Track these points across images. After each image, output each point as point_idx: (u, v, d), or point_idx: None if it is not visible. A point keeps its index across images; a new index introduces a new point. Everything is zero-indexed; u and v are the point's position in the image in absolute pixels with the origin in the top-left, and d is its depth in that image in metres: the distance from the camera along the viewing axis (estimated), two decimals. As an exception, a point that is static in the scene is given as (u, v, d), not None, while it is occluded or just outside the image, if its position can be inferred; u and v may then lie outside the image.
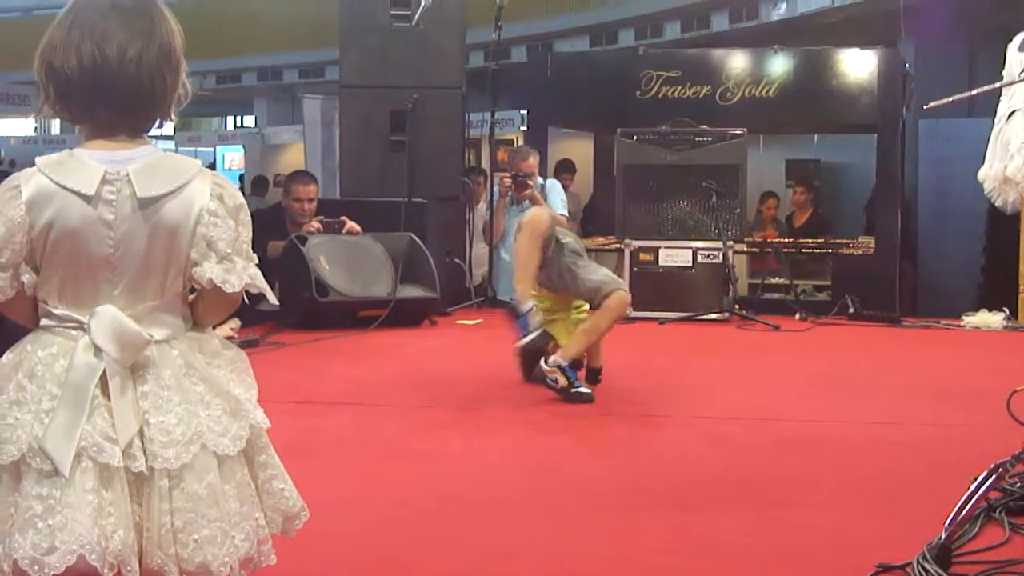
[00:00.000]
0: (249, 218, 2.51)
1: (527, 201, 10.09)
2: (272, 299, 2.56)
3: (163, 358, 2.42)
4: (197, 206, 2.42)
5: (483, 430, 5.56)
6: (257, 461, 2.53)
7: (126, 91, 2.41)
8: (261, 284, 2.50)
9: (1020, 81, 9.06)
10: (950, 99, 5.26)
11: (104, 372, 2.35)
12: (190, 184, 2.43)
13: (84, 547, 2.23)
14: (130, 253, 2.39)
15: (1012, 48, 9.40)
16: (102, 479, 2.30)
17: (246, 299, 2.53)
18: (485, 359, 7.72)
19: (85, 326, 2.37)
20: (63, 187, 2.35)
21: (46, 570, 2.23)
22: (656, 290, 9.37)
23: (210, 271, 2.43)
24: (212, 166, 28.36)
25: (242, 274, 2.45)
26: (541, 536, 3.87)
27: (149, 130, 2.50)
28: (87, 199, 2.35)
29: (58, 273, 2.39)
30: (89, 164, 2.38)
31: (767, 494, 4.40)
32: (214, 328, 2.62)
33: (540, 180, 10.43)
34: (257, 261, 2.50)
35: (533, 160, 10.34)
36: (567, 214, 10.78)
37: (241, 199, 2.51)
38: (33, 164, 2.39)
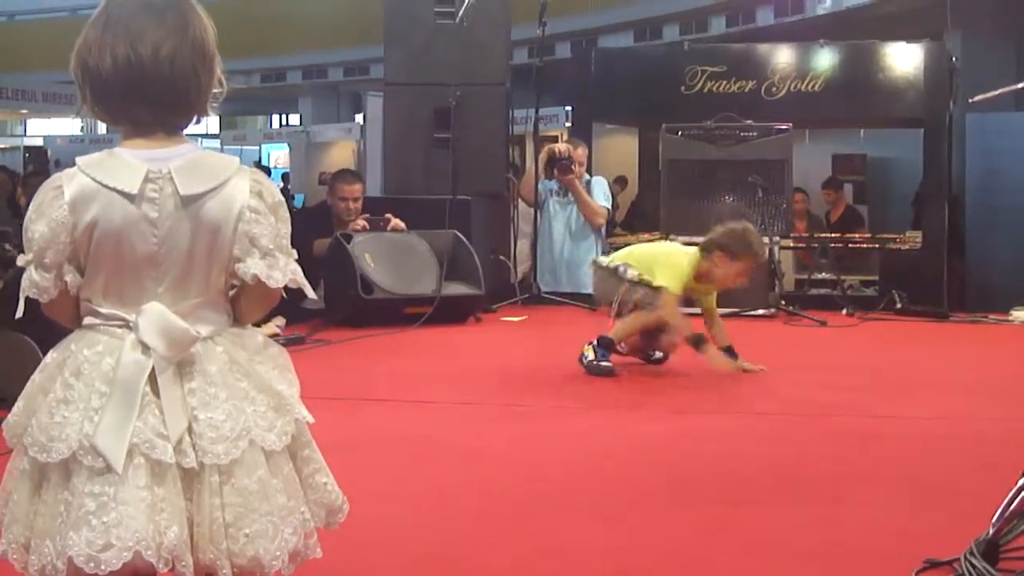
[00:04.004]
0: (288, 214, 2.51)
1: (568, 191, 10.15)
2: (311, 294, 2.56)
3: (208, 355, 2.43)
4: (238, 203, 2.42)
5: (527, 426, 5.56)
6: (300, 456, 2.53)
7: (162, 89, 2.42)
8: (301, 280, 2.50)
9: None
10: (996, 92, 5.24)
11: (152, 369, 2.36)
12: (230, 181, 2.44)
13: (140, 543, 2.24)
14: (174, 250, 2.40)
15: (1060, 41, 9.33)
16: (154, 475, 2.31)
17: (284, 295, 2.54)
18: (530, 355, 7.74)
19: (131, 324, 2.38)
20: (105, 186, 2.35)
21: (103, 567, 2.23)
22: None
23: (254, 267, 2.43)
24: (259, 164, 28.66)
25: (285, 269, 2.46)
26: (585, 532, 3.86)
27: (186, 127, 2.51)
28: (130, 198, 2.36)
29: (102, 272, 2.40)
30: (131, 163, 2.39)
31: (815, 489, 4.38)
32: (258, 325, 2.63)
33: (587, 176, 10.43)
34: (297, 257, 2.51)
35: (582, 151, 10.36)
36: (610, 208, 10.78)
37: (280, 196, 2.52)
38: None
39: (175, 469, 2.33)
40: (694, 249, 6.74)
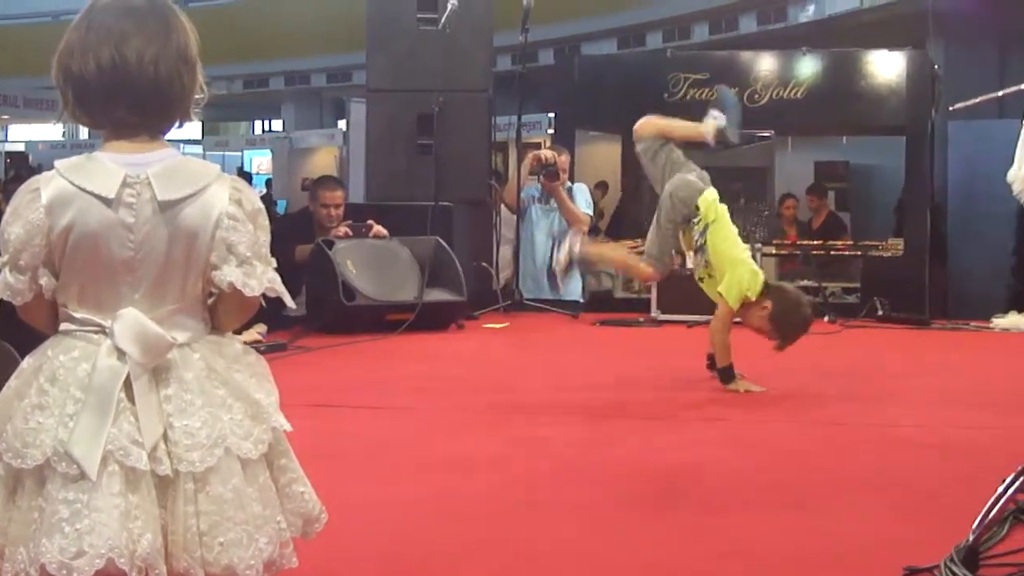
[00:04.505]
0: (267, 222, 2.50)
1: (552, 198, 10.16)
2: (290, 303, 2.55)
3: (185, 361, 2.41)
4: (216, 210, 2.41)
5: (508, 433, 5.55)
6: (277, 465, 2.52)
7: (146, 92, 2.41)
8: (279, 288, 2.49)
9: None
10: (976, 100, 5.26)
11: (128, 376, 2.35)
12: (209, 188, 2.43)
13: (113, 551, 2.23)
14: (150, 256, 2.39)
15: (1041, 48, 9.36)
16: (129, 483, 2.30)
17: (263, 304, 2.53)
18: (513, 362, 7.74)
19: (107, 330, 2.37)
20: (83, 190, 2.35)
21: (75, 574, 2.23)
22: (683, 293, 9.30)
23: (230, 275, 2.42)
24: (241, 170, 28.61)
25: (262, 278, 2.45)
26: (568, 539, 3.86)
27: (168, 131, 2.50)
28: (107, 202, 2.35)
29: (78, 277, 2.39)
30: (109, 167, 2.38)
31: (795, 496, 4.39)
32: (239, 332, 2.62)
33: (568, 183, 10.44)
34: (276, 265, 2.50)
35: (565, 158, 10.36)
36: (592, 215, 10.79)
37: (259, 203, 2.51)
38: None
39: (149, 476, 2.32)
40: (758, 272, 6.62)
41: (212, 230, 2.41)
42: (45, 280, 2.37)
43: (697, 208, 6.55)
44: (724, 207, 6.63)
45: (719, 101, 6.71)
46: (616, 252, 6.74)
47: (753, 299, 6.43)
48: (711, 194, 6.58)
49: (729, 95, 6.76)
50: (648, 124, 6.81)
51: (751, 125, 10.19)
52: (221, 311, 2.52)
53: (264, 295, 2.49)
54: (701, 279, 6.71)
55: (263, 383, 2.52)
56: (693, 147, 6.80)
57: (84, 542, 2.24)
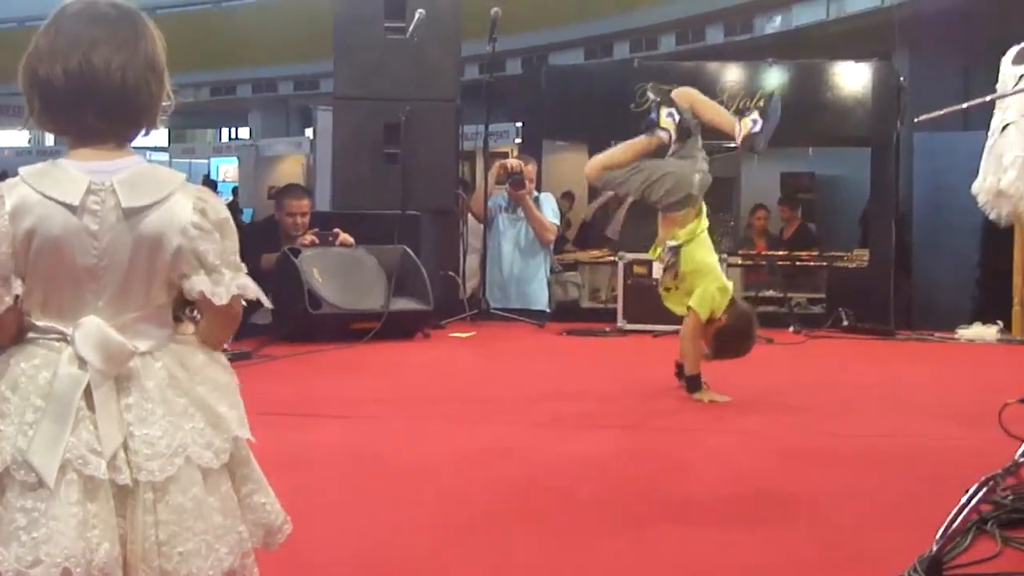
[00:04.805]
0: (234, 230, 2.51)
1: (519, 207, 10.17)
2: (267, 303, 2.57)
3: (146, 370, 2.41)
4: (180, 219, 2.41)
5: (475, 443, 5.54)
6: (239, 475, 2.52)
7: (113, 99, 2.41)
8: (253, 291, 2.50)
9: (1009, 94, 9.06)
10: (940, 112, 5.28)
11: (88, 384, 2.34)
12: (173, 196, 2.43)
13: (69, 560, 2.23)
14: (114, 263, 2.38)
15: (1005, 61, 9.40)
16: (87, 492, 2.29)
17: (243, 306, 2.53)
18: (478, 372, 7.74)
19: (68, 337, 2.36)
20: (47, 197, 2.34)
21: None
22: (650, 303, 9.28)
23: (200, 283, 2.43)
24: (207, 178, 28.53)
25: (230, 285, 2.45)
26: (539, 551, 3.86)
27: (135, 139, 2.49)
28: (72, 209, 2.34)
29: (41, 284, 2.38)
30: (73, 174, 2.38)
31: (760, 507, 4.39)
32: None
33: (536, 193, 10.44)
34: (246, 270, 2.50)
35: (532, 168, 10.36)
36: (559, 224, 10.80)
37: (226, 212, 2.51)
38: None
39: (108, 486, 2.31)
40: (727, 289, 6.62)
41: (176, 238, 2.41)
42: (18, 287, 2.36)
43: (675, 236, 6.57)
44: (705, 221, 6.64)
45: (766, 108, 6.69)
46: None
47: (716, 316, 6.47)
48: (699, 223, 6.59)
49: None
50: (592, 167, 6.83)
51: (717, 136, 10.23)
52: (204, 325, 2.53)
53: (244, 299, 2.48)
54: (667, 288, 6.70)
55: (227, 395, 2.51)
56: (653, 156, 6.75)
57: (40, 551, 2.23)
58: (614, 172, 6.70)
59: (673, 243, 6.53)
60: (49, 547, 2.23)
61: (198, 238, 2.42)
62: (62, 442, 2.29)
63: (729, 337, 6.47)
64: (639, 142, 6.66)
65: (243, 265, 2.50)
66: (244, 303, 2.52)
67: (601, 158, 6.84)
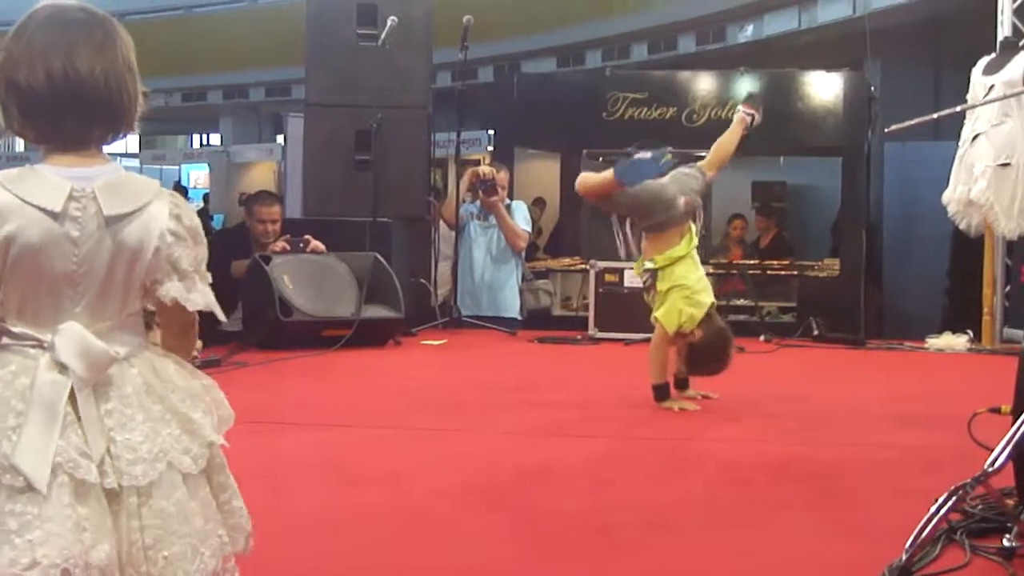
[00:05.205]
0: (204, 238, 2.51)
1: (490, 215, 10.18)
2: (222, 317, 2.54)
3: (124, 376, 2.40)
4: (159, 225, 2.41)
5: (446, 450, 5.54)
6: (216, 480, 2.51)
7: (96, 102, 2.40)
8: (213, 304, 2.50)
9: (979, 104, 9.11)
10: (911, 122, 5.30)
11: (72, 389, 2.32)
12: (151, 204, 2.42)
13: (68, 560, 2.22)
14: (93, 271, 2.37)
15: (976, 72, 9.46)
16: (78, 495, 2.27)
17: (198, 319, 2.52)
18: (449, 379, 7.73)
19: (45, 344, 2.34)
20: (27, 202, 2.32)
21: None
22: (621, 311, 9.35)
23: (173, 289, 2.42)
24: (178, 184, 28.43)
25: (203, 292, 2.45)
26: (510, 559, 3.86)
27: (112, 143, 2.49)
28: (53, 215, 2.33)
29: (18, 290, 2.36)
30: (54, 180, 2.36)
31: (729, 516, 4.39)
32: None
33: (507, 200, 10.45)
34: (211, 281, 2.49)
35: (504, 175, 10.38)
36: (530, 232, 10.80)
37: (197, 220, 2.52)
38: None
39: (99, 489, 2.30)
40: (700, 305, 6.61)
41: (154, 245, 2.40)
42: (1, 293, 2.35)
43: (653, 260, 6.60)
44: (693, 241, 6.67)
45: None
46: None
47: (687, 331, 6.48)
48: (676, 250, 6.60)
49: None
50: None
51: (690, 145, 10.25)
52: (165, 330, 2.52)
53: (199, 311, 2.48)
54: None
55: (198, 401, 2.51)
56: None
57: (37, 552, 2.22)
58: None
59: (650, 266, 6.58)
60: (46, 548, 2.22)
61: (174, 244, 2.42)
62: (51, 446, 2.27)
63: (702, 354, 6.50)
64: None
65: (209, 276, 2.50)
66: (224, 320, 2.51)
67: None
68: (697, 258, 6.71)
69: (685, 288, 6.51)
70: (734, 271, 11.96)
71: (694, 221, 6.83)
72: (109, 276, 2.39)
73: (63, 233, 2.34)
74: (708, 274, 9.57)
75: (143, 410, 2.39)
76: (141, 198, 2.42)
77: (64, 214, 2.34)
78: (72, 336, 2.34)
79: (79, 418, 2.32)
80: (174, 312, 2.47)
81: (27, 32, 2.42)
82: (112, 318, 2.41)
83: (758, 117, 7.02)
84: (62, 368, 2.32)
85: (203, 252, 2.49)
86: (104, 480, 2.30)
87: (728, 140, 7.05)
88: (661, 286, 6.55)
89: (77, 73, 2.38)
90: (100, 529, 2.28)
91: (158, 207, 2.42)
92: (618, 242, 7.05)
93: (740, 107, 7.14)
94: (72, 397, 2.32)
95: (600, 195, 6.80)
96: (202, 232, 2.50)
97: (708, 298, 6.61)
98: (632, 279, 9.60)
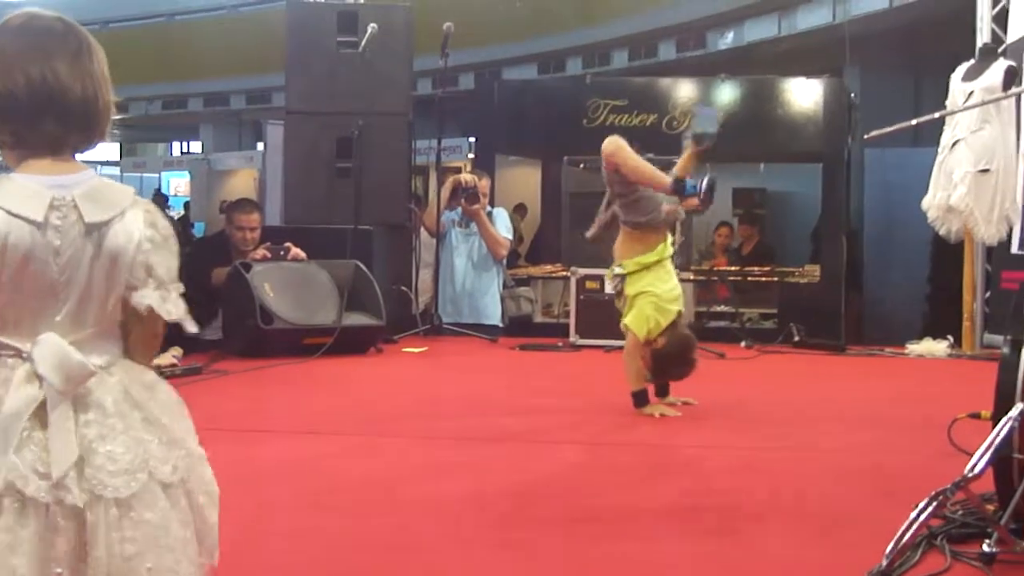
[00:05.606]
0: (176, 247, 2.50)
1: (472, 222, 10.17)
2: (191, 328, 2.52)
3: (103, 386, 2.38)
4: (136, 233, 2.40)
5: (427, 457, 5.53)
6: (194, 489, 2.50)
7: (75, 108, 2.40)
8: (185, 317, 2.48)
9: (959, 110, 9.14)
10: (891, 128, 5.31)
11: (43, 402, 2.30)
12: (128, 211, 2.41)
13: None
14: (74, 279, 2.36)
15: (955, 78, 9.50)
16: (20, 516, 2.25)
17: (167, 327, 2.51)
18: (431, 387, 7.72)
19: (24, 355, 2.32)
20: (9, 212, 2.30)
21: None
22: (602, 318, 9.33)
23: (149, 297, 2.41)
24: (158, 192, 28.35)
25: (177, 302, 2.44)
26: (489, 566, 3.85)
27: (86, 151, 2.48)
28: (37, 225, 2.31)
29: (1, 300, 2.35)
30: (34, 188, 2.35)
31: (710, 522, 4.39)
32: (156, 356, 2.60)
33: (489, 208, 10.44)
34: (183, 290, 2.48)
35: (485, 183, 10.37)
36: (512, 239, 10.80)
37: (170, 228, 2.51)
38: None
39: (51, 508, 2.27)
40: (667, 311, 6.63)
41: (133, 253, 2.39)
42: None
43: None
44: (668, 250, 6.67)
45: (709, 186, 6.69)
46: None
47: (653, 337, 6.50)
48: (646, 256, 6.60)
49: (713, 184, 6.78)
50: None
51: (670, 151, 10.26)
52: (134, 338, 2.49)
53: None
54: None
55: (177, 410, 2.50)
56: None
57: None
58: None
59: (619, 271, 6.60)
60: None
61: (151, 251, 2.42)
62: (3, 463, 2.26)
63: (666, 359, 6.52)
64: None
65: (181, 285, 2.49)
66: (196, 331, 2.50)
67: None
68: (671, 268, 6.71)
69: (652, 295, 6.52)
70: (715, 277, 11.97)
71: (673, 232, 6.85)
72: (89, 284, 2.37)
73: (46, 242, 2.33)
74: (690, 281, 9.60)
75: (123, 419, 2.37)
76: (118, 205, 2.41)
77: (46, 223, 2.33)
78: (52, 348, 2.32)
79: (44, 432, 2.30)
80: (147, 321, 2.45)
81: (2, 39, 2.42)
82: (93, 326, 2.40)
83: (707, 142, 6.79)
84: (40, 380, 2.31)
85: (176, 262, 2.48)
86: (66, 495, 2.27)
87: (649, 176, 6.67)
88: (629, 291, 6.57)
89: (56, 78, 2.38)
90: (33, 556, 2.24)
91: (135, 214, 2.42)
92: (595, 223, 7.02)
93: (688, 142, 6.78)
94: (40, 410, 2.30)
95: (629, 172, 6.66)
96: (175, 241, 2.50)
97: (678, 306, 6.63)
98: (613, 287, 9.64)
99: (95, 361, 2.37)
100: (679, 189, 6.47)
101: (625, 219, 6.67)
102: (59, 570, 2.26)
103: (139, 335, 2.50)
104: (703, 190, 6.50)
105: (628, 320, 6.56)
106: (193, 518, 2.48)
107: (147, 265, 2.41)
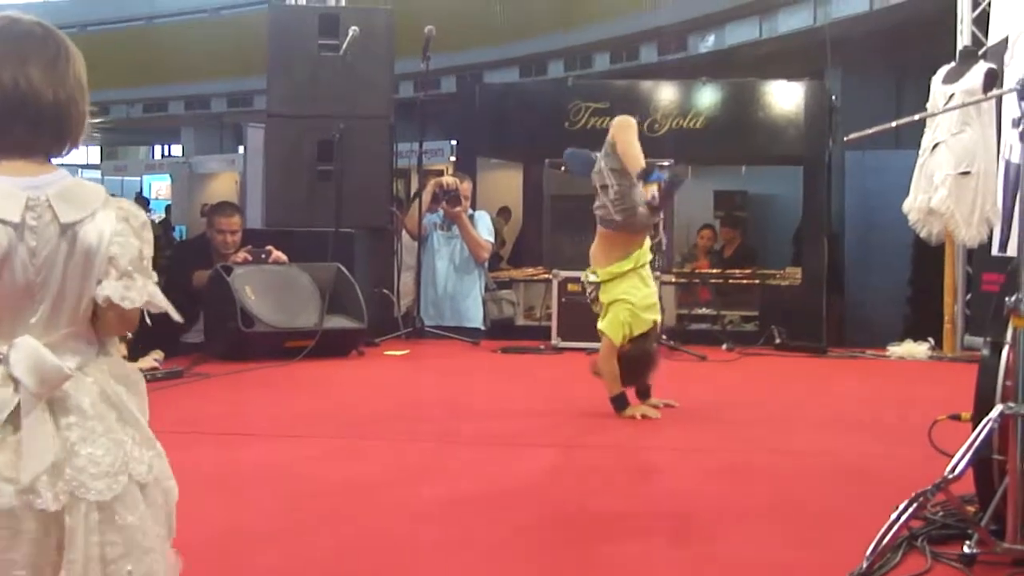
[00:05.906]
0: (152, 236, 2.49)
1: (453, 225, 10.17)
2: (175, 316, 2.50)
3: (80, 387, 2.37)
4: (108, 230, 2.39)
5: (407, 461, 5.53)
6: (165, 488, 2.50)
7: (47, 114, 2.40)
8: (161, 302, 2.45)
9: (939, 113, 9.16)
10: (871, 131, 5.30)
11: (16, 406, 2.29)
12: (100, 210, 2.40)
13: None
14: (49, 280, 2.35)
15: (936, 80, 9.52)
16: None
17: (148, 321, 2.49)
18: (412, 390, 7.71)
19: (1, 357, 2.32)
20: None
21: None
22: (584, 321, 9.30)
23: (108, 288, 2.38)
24: (140, 195, 28.27)
25: (142, 291, 2.41)
26: (467, 571, 3.84)
27: (59, 156, 2.48)
28: (13, 226, 2.31)
29: None
30: (8, 190, 2.34)
31: (691, 526, 4.40)
32: (135, 359, 2.59)
33: (470, 210, 10.44)
34: (157, 279, 2.46)
35: (467, 186, 10.36)
36: (493, 242, 10.79)
37: (145, 217, 2.50)
38: None
39: (20, 512, 2.25)
40: (641, 318, 6.65)
41: (103, 250, 2.38)
42: None
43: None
44: (646, 256, 6.69)
45: (671, 184, 6.70)
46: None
47: (626, 341, 6.52)
48: (619, 265, 6.61)
49: (679, 183, 6.83)
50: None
51: (652, 154, 10.26)
52: (99, 324, 2.47)
53: (150, 314, 2.45)
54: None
55: (143, 404, 2.49)
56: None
57: None
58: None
59: (593, 279, 6.61)
60: None
61: (116, 243, 2.40)
62: None
63: (626, 366, 6.54)
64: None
65: (154, 274, 2.47)
66: (180, 320, 2.48)
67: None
68: (648, 275, 6.71)
69: (627, 303, 6.53)
70: (696, 280, 11.99)
71: (651, 236, 6.86)
72: (64, 284, 2.37)
73: (23, 244, 2.32)
74: (669, 283, 9.61)
75: (102, 421, 2.37)
76: (91, 204, 2.40)
77: (23, 224, 2.32)
78: (27, 351, 2.31)
79: (16, 435, 2.28)
80: (109, 309, 2.41)
81: None
82: (68, 327, 2.39)
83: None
84: (14, 383, 2.29)
85: (149, 251, 2.46)
86: (35, 500, 2.26)
87: (632, 156, 6.65)
88: (604, 298, 6.60)
89: (29, 83, 2.38)
90: None
91: (106, 213, 2.41)
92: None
93: (653, 193, 6.58)
94: (13, 415, 2.29)
95: (620, 143, 6.67)
96: (150, 230, 2.48)
97: (653, 315, 6.63)
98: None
99: (69, 363, 2.36)
100: (646, 174, 6.50)
101: (601, 219, 6.68)
102: (20, 573, 2.25)
103: (105, 323, 2.45)
104: (665, 181, 6.51)
105: (603, 325, 6.57)
106: (165, 514, 2.48)
107: (111, 256, 2.39)
